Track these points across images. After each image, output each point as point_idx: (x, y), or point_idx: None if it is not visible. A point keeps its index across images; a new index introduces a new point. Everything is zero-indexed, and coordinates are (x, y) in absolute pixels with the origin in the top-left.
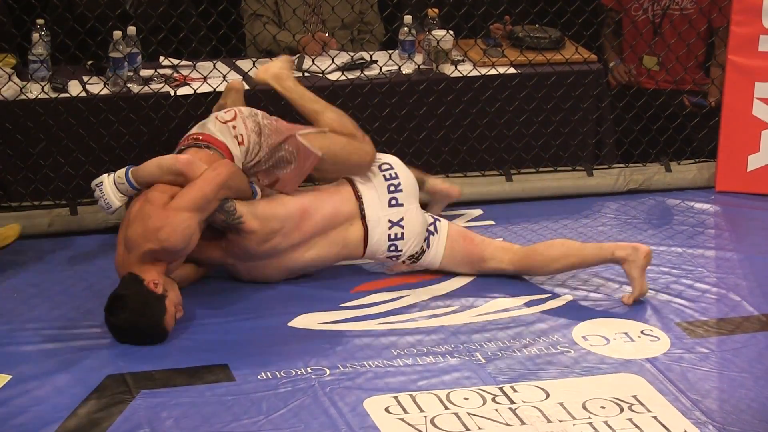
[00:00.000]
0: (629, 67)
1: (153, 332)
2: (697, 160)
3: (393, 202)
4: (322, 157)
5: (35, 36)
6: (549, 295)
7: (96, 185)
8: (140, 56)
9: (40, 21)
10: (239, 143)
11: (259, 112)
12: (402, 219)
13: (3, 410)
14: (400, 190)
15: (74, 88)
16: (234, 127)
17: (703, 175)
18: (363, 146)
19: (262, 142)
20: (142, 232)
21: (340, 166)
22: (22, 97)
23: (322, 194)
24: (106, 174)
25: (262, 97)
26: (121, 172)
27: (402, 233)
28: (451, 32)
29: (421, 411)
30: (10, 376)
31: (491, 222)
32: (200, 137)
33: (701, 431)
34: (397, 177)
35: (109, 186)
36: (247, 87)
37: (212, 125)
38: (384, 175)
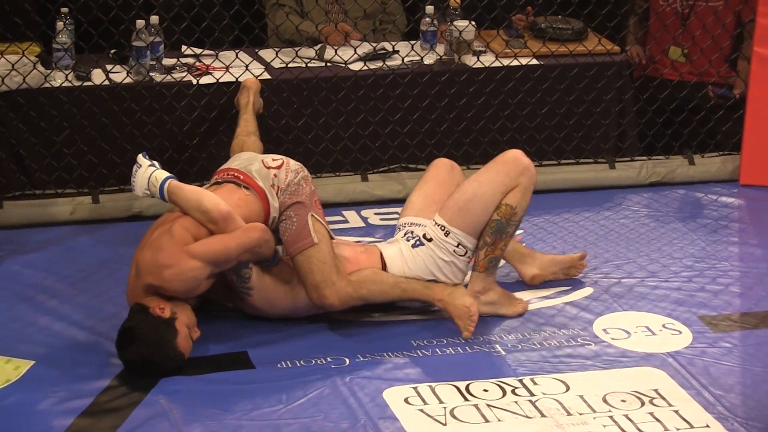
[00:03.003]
0: (652, 57)
1: (168, 358)
2: (720, 152)
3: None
4: (307, 251)
5: (59, 24)
6: (570, 287)
7: (137, 164)
8: (163, 45)
9: (64, 10)
10: (276, 195)
11: (304, 172)
12: None
13: (25, 395)
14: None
15: (97, 77)
16: (275, 176)
17: (726, 168)
18: (338, 282)
19: (280, 197)
20: (150, 263)
21: (301, 273)
22: (46, 85)
23: None
24: (150, 164)
25: (284, 87)
26: (161, 176)
27: None
28: (473, 23)
29: (441, 402)
30: (33, 362)
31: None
32: (241, 177)
33: (724, 426)
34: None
35: (143, 175)
36: (268, 77)
37: (256, 168)
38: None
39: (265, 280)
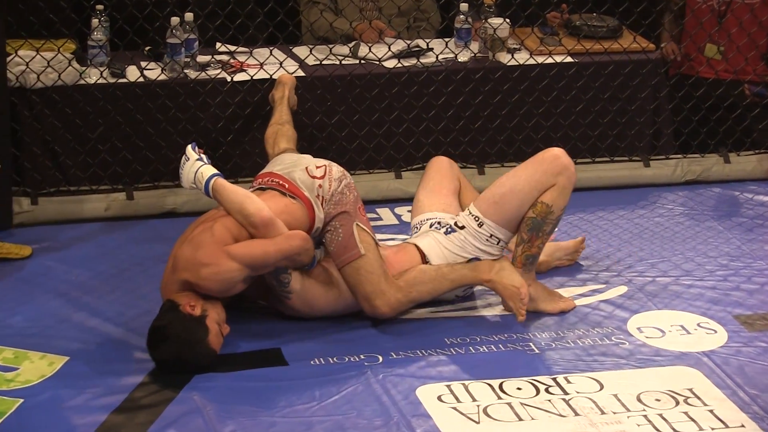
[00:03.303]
0: (688, 55)
1: (199, 356)
2: (756, 151)
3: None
4: (354, 263)
5: (94, 22)
6: (604, 285)
7: (185, 156)
8: (197, 42)
9: (100, 7)
10: (321, 205)
11: (347, 178)
12: None
13: (59, 392)
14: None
15: (132, 74)
16: (320, 186)
17: (762, 166)
18: (387, 290)
19: (325, 208)
20: (188, 259)
21: (350, 284)
22: (81, 82)
23: None
24: (198, 158)
25: (319, 84)
26: (208, 172)
27: None
28: (508, 20)
29: (474, 400)
30: (68, 358)
31: None
32: (286, 186)
33: (759, 426)
34: None
35: (190, 169)
36: (302, 74)
37: (300, 176)
38: None
39: (304, 284)
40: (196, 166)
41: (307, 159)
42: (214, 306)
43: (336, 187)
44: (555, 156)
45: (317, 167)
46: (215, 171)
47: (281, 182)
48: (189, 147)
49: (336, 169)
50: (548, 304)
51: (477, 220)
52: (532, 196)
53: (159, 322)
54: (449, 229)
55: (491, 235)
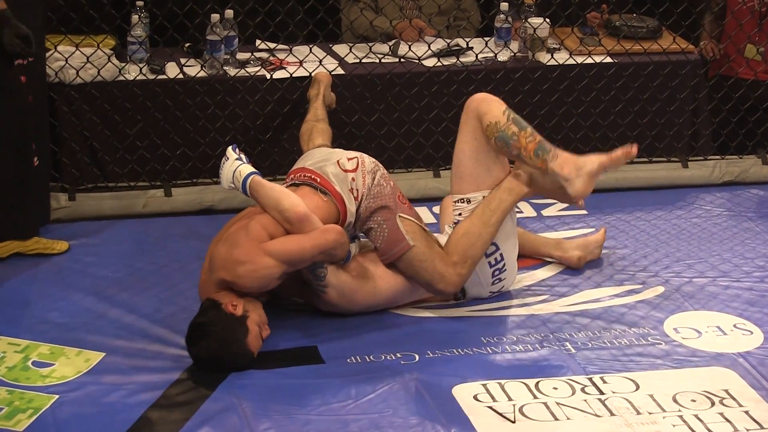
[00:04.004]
0: (728, 56)
1: (237, 356)
2: None
3: (496, 283)
4: (405, 255)
5: (134, 18)
6: (641, 285)
7: (225, 157)
8: (237, 39)
9: (140, 3)
10: (354, 198)
11: (381, 169)
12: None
13: (95, 387)
14: (503, 277)
15: (171, 70)
16: (353, 180)
17: None
18: (445, 272)
19: (364, 203)
20: (224, 258)
21: (407, 276)
22: (121, 78)
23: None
24: (237, 158)
25: (358, 82)
26: (245, 171)
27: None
28: (548, 20)
29: (510, 399)
30: (104, 354)
31: (584, 211)
32: (318, 180)
33: None
34: (502, 260)
35: (229, 169)
36: (342, 72)
37: (332, 170)
38: (489, 261)
39: (340, 278)
40: (235, 165)
41: (339, 152)
42: (255, 308)
43: (371, 180)
44: (465, 108)
45: (349, 159)
46: (253, 169)
47: (313, 176)
48: (230, 148)
49: (368, 161)
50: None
51: (463, 201)
52: (477, 142)
53: (200, 318)
54: (454, 224)
55: None
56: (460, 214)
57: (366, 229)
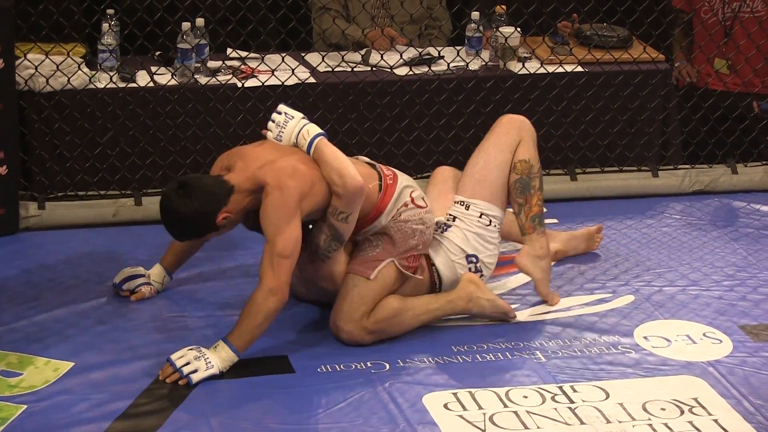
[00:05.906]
0: (697, 68)
1: (199, 224)
2: (764, 162)
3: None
4: (357, 277)
5: (105, 26)
6: (611, 294)
7: (287, 116)
8: (208, 48)
9: (110, 11)
10: (392, 217)
11: (430, 231)
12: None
13: (64, 397)
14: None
15: (142, 79)
16: (405, 206)
17: None
18: (357, 319)
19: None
20: (281, 170)
21: (340, 290)
22: (91, 86)
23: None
24: (303, 116)
25: (330, 91)
26: (314, 130)
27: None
28: (519, 29)
29: (480, 408)
30: (73, 363)
31: (555, 220)
32: (388, 176)
33: None
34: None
35: (294, 126)
36: (314, 80)
37: (408, 191)
38: (470, 268)
39: (341, 256)
40: (302, 123)
41: (428, 193)
42: (228, 228)
43: (416, 225)
44: (509, 118)
45: (423, 198)
46: (321, 130)
47: (386, 172)
48: (284, 106)
49: (438, 219)
50: (545, 285)
51: (463, 204)
52: (507, 159)
53: (190, 179)
54: (444, 227)
55: (481, 215)
56: (453, 218)
57: (364, 232)
